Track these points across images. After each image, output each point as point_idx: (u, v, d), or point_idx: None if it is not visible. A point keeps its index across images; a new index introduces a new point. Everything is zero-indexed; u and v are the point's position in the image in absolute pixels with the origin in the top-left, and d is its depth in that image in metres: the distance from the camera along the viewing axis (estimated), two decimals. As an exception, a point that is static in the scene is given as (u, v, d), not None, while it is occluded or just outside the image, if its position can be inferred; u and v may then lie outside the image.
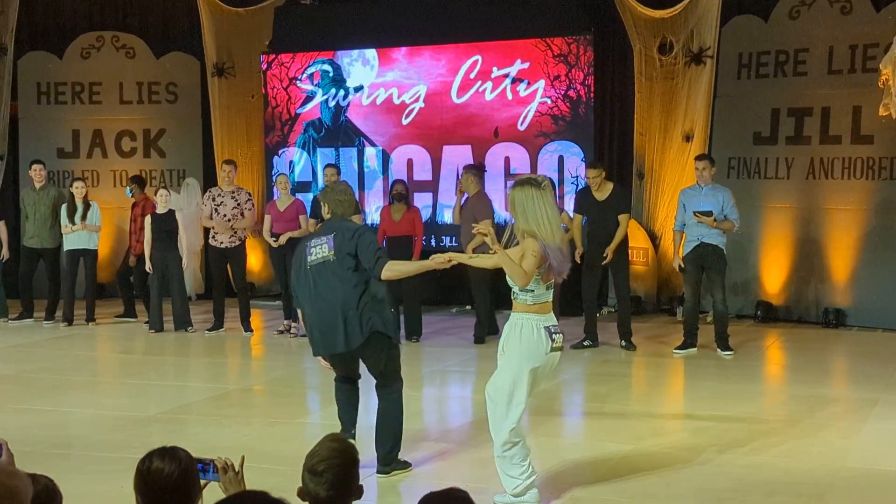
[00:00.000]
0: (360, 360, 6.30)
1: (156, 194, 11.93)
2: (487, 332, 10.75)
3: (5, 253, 12.53)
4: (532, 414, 8.13)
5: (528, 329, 5.47)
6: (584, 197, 10.48)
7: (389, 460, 6.28)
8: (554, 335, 5.48)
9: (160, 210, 11.63)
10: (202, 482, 3.49)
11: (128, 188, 12.66)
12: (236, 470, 3.45)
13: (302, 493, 3.14)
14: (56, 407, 8.19)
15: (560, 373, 9.56)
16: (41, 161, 12.81)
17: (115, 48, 14.65)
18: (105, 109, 14.64)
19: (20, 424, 7.40)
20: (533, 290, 5.46)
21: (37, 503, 2.72)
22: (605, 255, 10.16)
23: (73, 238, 12.13)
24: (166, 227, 11.54)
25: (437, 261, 5.99)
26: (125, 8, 14.89)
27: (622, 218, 10.23)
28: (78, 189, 12.20)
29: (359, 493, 3.18)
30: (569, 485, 6.05)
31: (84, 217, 12.09)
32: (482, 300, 10.86)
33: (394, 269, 6.12)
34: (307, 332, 6.40)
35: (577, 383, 9.36)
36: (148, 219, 11.65)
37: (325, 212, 6.48)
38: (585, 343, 10.38)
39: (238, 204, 11.53)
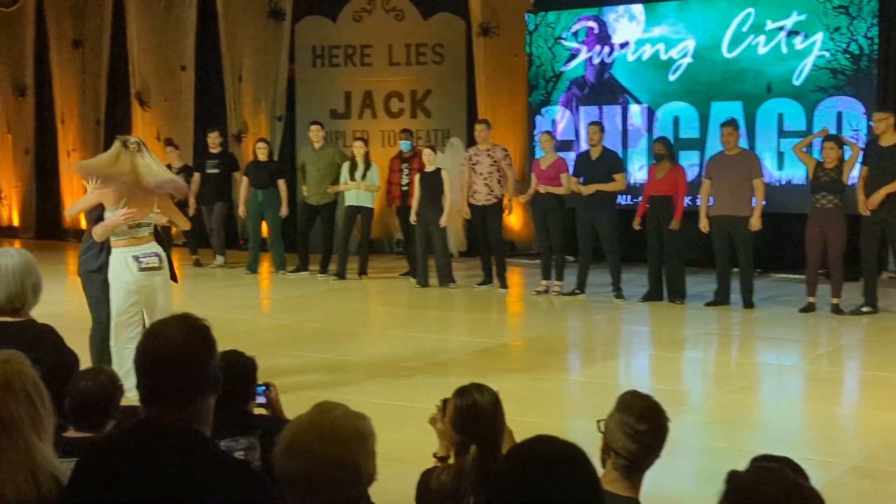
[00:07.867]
0: None
1: (422, 154, 12.10)
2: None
3: (284, 210, 13.13)
4: (807, 380, 7.82)
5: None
6: (869, 146, 10.01)
7: None
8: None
9: (428, 168, 11.86)
10: None
11: (408, 141, 12.60)
12: None
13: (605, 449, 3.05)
14: (330, 354, 8.55)
15: (840, 338, 9.16)
16: (319, 122, 13.29)
17: (385, 11, 15.03)
18: (375, 71, 15.08)
19: (298, 369, 7.78)
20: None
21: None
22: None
23: (352, 195, 12.53)
24: (432, 185, 11.73)
25: None
26: (397, -29, 15.24)
27: None
28: (358, 148, 12.60)
29: None
30: (847, 454, 5.75)
31: (364, 176, 12.49)
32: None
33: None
34: None
35: (855, 350, 8.88)
36: (417, 177, 11.88)
37: None
38: (864, 309, 9.81)
39: (495, 161, 11.58)
